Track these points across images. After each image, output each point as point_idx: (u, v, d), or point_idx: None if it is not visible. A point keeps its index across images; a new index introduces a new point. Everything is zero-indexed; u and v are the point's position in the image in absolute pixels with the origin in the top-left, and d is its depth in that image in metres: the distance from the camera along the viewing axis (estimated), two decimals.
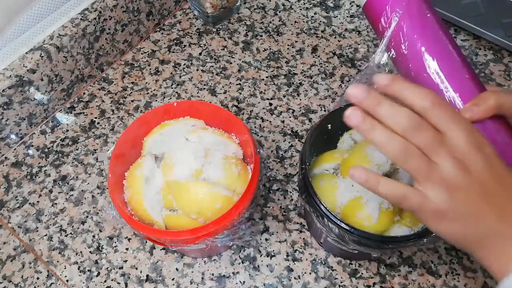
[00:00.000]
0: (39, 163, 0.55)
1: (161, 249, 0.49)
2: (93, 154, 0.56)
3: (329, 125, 0.43)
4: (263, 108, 0.59)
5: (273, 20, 0.68)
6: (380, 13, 0.37)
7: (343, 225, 0.37)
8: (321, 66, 0.62)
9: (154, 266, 0.48)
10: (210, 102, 0.53)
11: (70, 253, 0.49)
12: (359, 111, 0.29)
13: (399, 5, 0.35)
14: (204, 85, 0.61)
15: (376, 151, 0.40)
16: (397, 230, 0.40)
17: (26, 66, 0.52)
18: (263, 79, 0.62)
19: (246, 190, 0.39)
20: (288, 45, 0.65)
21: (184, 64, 0.64)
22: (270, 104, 0.59)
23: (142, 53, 0.65)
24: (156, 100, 0.60)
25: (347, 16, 0.68)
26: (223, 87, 0.61)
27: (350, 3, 0.69)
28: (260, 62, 0.63)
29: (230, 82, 0.62)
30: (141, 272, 0.48)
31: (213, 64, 0.63)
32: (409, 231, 0.39)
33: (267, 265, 0.47)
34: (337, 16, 0.68)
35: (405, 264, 0.47)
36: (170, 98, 0.60)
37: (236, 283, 0.47)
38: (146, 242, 0.49)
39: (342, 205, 0.40)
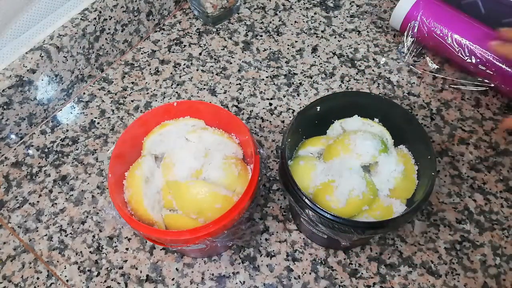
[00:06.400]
0: (39, 163, 0.55)
1: (161, 249, 0.49)
2: (93, 154, 0.56)
3: (318, 108, 0.44)
4: (263, 108, 0.59)
5: (273, 20, 0.68)
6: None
7: (307, 201, 0.37)
8: (321, 66, 0.62)
9: (154, 266, 0.48)
10: (210, 102, 0.53)
11: (70, 253, 0.49)
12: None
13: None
14: (204, 85, 0.61)
15: (358, 141, 0.42)
16: (364, 219, 0.40)
17: (26, 66, 0.52)
18: (263, 79, 0.62)
19: (246, 190, 0.39)
20: (288, 45, 0.65)
21: (184, 64, 0.64)
22: (270, 104, 0.59)
23: (142, 53, 0.65)
24: (156, 100, 0.60)
25: (347, 16, 0.68)
26: (223, 87, 0.61)
27: (350, 3, 0.69)
28: (260, 62, 0.63)
29: (230, 82, 0.62)
30: (141, 272, 0.48)
31: (213, 64, 0.63)
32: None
33: (267, 265, 0.47)
34: (337, 16, 0.68)
35: (405, 264, 0.47)
36: (170, 98, 0.60)
37: (236, 283, 0.47)
38: (146, 242, 0.49)
39: (315, 186, 0.41)
